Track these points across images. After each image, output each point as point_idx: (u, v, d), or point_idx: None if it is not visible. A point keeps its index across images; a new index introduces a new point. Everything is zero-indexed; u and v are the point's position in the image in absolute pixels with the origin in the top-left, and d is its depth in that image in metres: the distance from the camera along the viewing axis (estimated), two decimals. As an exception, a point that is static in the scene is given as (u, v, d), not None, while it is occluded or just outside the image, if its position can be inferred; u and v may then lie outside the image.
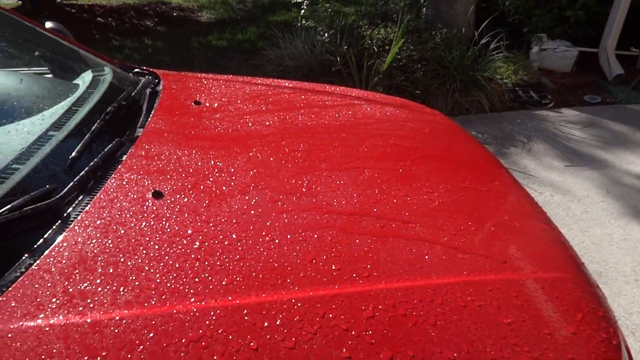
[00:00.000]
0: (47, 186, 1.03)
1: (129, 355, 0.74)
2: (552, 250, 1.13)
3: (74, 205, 1.04)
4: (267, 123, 1.51)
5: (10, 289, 0.82)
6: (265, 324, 0.81)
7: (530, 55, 4.58)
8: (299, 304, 0.85)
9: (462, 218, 1.14)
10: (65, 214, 1.02)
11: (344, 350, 0.79)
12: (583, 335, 0.89)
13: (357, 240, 1.02)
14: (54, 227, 0.97)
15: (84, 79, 1.62)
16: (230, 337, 0.78)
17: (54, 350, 0.73)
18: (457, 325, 0.85)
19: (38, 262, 0.88)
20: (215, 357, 0.75)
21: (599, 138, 3.50)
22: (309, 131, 1.49)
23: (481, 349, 0.82)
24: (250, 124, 1.49)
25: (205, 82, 1.83)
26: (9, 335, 0.74)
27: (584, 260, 2.25)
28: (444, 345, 0.82)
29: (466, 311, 0.88)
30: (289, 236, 1.01)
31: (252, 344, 0.78)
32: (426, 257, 1.00)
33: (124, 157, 1.21)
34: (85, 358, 0.72)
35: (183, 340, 0.76)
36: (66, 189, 1.05)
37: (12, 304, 0.79)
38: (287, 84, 1.91)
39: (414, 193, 1.21)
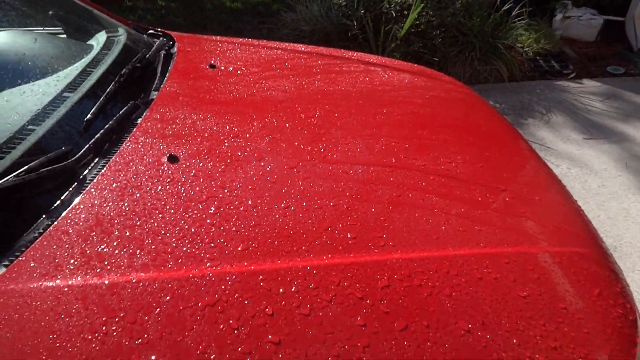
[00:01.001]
0: (63, 148, 1.03)
1: (146, 317, 0.74)
2: (571, 225, 1.11)
3: (89, 168, 1.04)
4: (283, 88, 1.49)
5: (29, 249, 0.82)
6: (281, 290, 0.81)
7: (554, 23, 4.44)
8: (315, 272, 0.85)
9: (479, 189, 1.12)
10: (81, 177, 1.02)
11: (359, 318, 0.79)
12: (599, 310, 0.89)
13: (373, 209, 1.01)
14: (71, 189, 0.98)
15: (98, 39, 1.60)
16: (245, 302, 0.78)
17: (73, 310, 0.74)
18: (472, 297, 0.85)
19: (55, 223, 0.88)
20: (231, 322, 0.75)
21: (620, 111, 3.42)
22: (326, 97, 1.47)
23: (496, 321, 0.82)
24: (266, 89, 1.47)
25: (220, 45, 1.79)
26: (29, 294, 0.75)
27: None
28: (458, 316, 0.81)
29: (482, 283, 0.88)
30: (304, 203, 1.00)
31: (267, 309, 0.78)
32: (442, 227, 0.99)
33: (139, 120, 1.21)
34: (104, 318, 0.73)
35: (199, 304, 0.77)
36: (82, 151, 1.04)
37: (32, 264, 0.80)
38: (303, 49, 1.87)
39: (431, 162, 1.19)
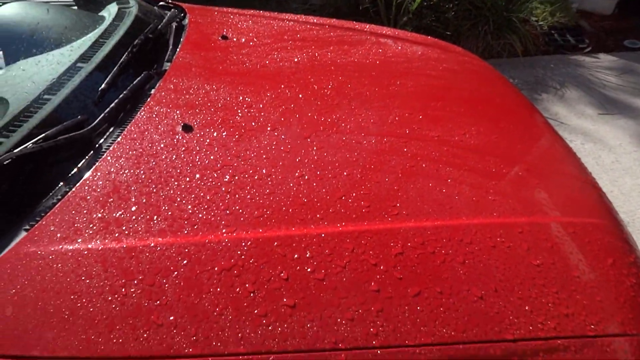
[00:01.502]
0: (79, 117, 1.04)
1: (164, 280, 0.76)
2: (585, 196, 1.11)
3: (105, 137, 1.05)
4: (296, 59, 1.48)
5: (48, 214, 0.84)
6: (295, 256, 0.82)
7: (570, -4, 4.34)
8: (329, 239, 0.86)
9: (494, 160, 1.12)
10: (97, 145, 1.03)
11: (373, 284, 0.80)
12: (612, 279, 0.89)
13: (387, 179, 1.01)
14: (87, 157, 0.99)
15: (110, 11, 1.60)
16: (261, 267, 0.79)
17: (93, 272, 0.75)
18: (485, 265, 0.85)
19: (74, 189, 0.89)
20: (247, 285, 0.77)
21: (636, 85, 3.36)
22: (339, 68, 1.46)
23: (508, 288, 0.82)
24: (278, 60, 1.46)
25: (232, 17, 1.78)
26: (50, 256, 0.77)
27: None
28: (471, 283, 0.82)
29: (495, 252, 0.88)
30: (318, 172, 1.00)
31: (282, 274, 0.79)
32: (456, 197, 0.99)
33: (153, 90, 1.21)
34: (123, 280, 0.75)
35: (215, 269, 0.78)
36: (97, 120, 1.05)
37: (52, 228, 0.81)
38: (315, 20, 1.85)
39: (445, 133, 1.19)
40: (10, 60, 1.29)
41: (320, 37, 1.71)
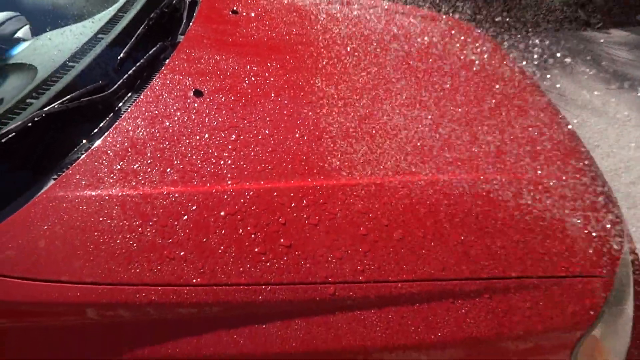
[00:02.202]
0: (100, 82, 1.14)
1: (176, 222, 0.86)
2: (567, 155, 1.17)
3: (124, 101, 1.15)
4: (301, 32, 1.56)
5: (74, 165, 0.94)
6: (293, 204, 0.92)
7: (585, -29, 4.29)
8: (323, 190, 0.95)
9: (482, 123, 1.19)
10: (116, 108, 1.13)
11: (361, 229, 0.89)
12: (582, 226, 0.97)
13: (382, 140, 1.09)
14: (108, 117, 1.09)
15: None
16: (261, 213, 0.89)
17: (113, 214, 0.86)
18: (466, 214, 0.94)
19: (96, 145, 1.00)
20: (248, 228, 0.87)
21: (647, 61, 3.36)
22: (342, 41, 1.53)
23: (487, 234, 0.91)
24: (284, 33, 1.54)
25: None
26: (76, 200, 0.87)
27: (614, 182, 2.27)
28: (452, 229, 0.91)
29: (476, 202, 0.96)
30: (317, 133, 1.09)
31: (280, 219, 0.89)
32: (445, 155, 1.07)
33: (167, 60, 1.30)
34: (139, 221, 0.85)
35: (222, 213, 0.88)
36: (116, 85, 1.15)
37: (77, 177, 0.92)
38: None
39: (439, 98, 1.26)
40: (36, 32, 1.39)
41: (326, 12, 1.77)
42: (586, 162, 1.13)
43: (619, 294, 0.91)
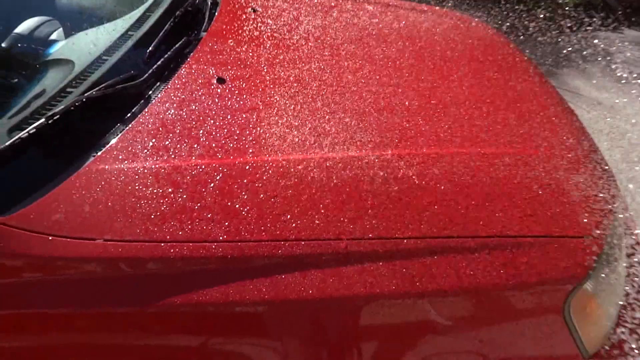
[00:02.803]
0: (132, 72, 1.25)
1: (203, 189, 0.96)
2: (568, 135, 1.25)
3: (153, 89, 1.26)
4: (316, 28, 1.66)
5: (112, 143, 1.05)
6: (312, 175, 1.01)
7: (597, -27, 4.34)
8: (336, 162, 1.04)
9: (485, 107, 1.27)
10: (146, 95, 1.23)
11: (370, 196, 0.98)
12: (575, 193, 1.04)
13: (388, 118, 1.18)
14: (140, 103, 1.20)
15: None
16: (280, 181, 0.99)
17: (148, 182, 0.96)
18: (471, 182, 1.02)
19: (130, 126, 1.10)
20: (268, 193, 0.96)
21: (660, 59, 3.39)
22: (352, 36, 1.63)
23: (488, 199, 0.99)
24: (300, 30, 1.64)
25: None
26: (115, 172, 0.98)
27: (622, 177, 2.32)
28: (456, 195, 1.00)
29: (478, 172, 1.05)
30: (327, 117, 1.18)
31: (297, 185, 0.98)
32: (450, 131, 1.15)
33: (192, 54, 1.41)
34: (171, 189, 0.95)
35: (245, 181, 0.98)
36: (146, 74, 1.26)
37: (114, 153, 1.02)
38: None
39: (445, 83, 1.35)
40: (74, 29, 1.52)
41: (336, 8, 1.88)
42: (583, 137, 1.20)
43: (611, 253, 0.98)
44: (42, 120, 1.02)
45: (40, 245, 0.86)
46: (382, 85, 1.32)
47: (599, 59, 3.44)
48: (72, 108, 1.08)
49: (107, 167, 0.99)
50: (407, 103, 1.25)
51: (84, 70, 1.23)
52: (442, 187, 1.01)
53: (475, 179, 1.04)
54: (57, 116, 1.05)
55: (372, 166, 1.04)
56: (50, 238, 0.87)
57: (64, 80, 1.21)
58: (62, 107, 1.07)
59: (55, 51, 1.46)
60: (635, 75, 3.22)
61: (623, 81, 3.15)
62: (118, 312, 0.86)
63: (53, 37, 1.80)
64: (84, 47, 1.36)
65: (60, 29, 1.85)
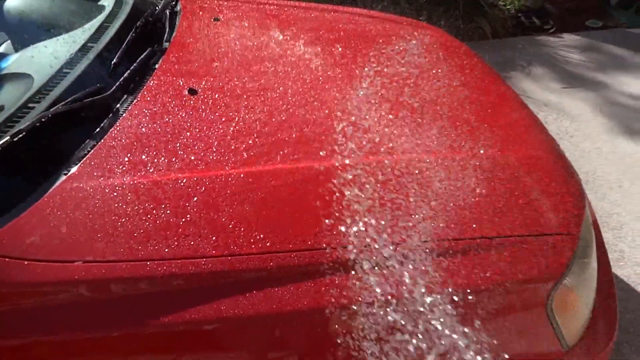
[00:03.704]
0: (97, 85, 1.20)
1: (187, 204, 0.94)
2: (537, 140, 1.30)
3: (121, 102, 1.22)
4: (278, 37, 1.65)
5: (84, 159, 1.01)
6: (289, 183, 1.00)
7: (535, -20, 4.57)
8: (297, 172, 1.04)
9: (458, 113, 1.31)
10: (115, 108, 1.19)
11: (354, 203, 0.98)
12: (557, 196, 1.09)
13: (366, 126, 1.19)
14: (109, 117, 1.15)
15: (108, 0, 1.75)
16: (257, 192, 0.98)
17: (128, 199, 0.93)
18: (464, 184, 1.05)
19: (102, 141, 1.06)
20: (246, 207, 0.95)
21: (596, 61, 3.60)
22: (315, 45, 1.63)
23: (482, 200, 1.02)
24: (263, 38, 1.63)
25: (220, 2, 1.95)
26: (91, 189, 0.94)
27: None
28: (449, 196, 1.02)
29: (470, 175, 1.07)
30: (298, 123, 1.18)
31: (281, 197, 0.97)
32: (432, 138, 1.18)
33: (157, 65, 1.37)
34: (153, 205, 0.92)
35: (228, 192, 0.96)
36: (113, 87, 1.21)
37: (89, 169, 0.98)
38: (295, 4, 2.03)
39: (416, 92, 1.38)
40: (25, 42, 1.45)
41: (299, 18, 1.88)
42: (549, 139, 1.26)
43: (584, 249, 1.03)
44: (7, 138, 0.97)
45: (16, 271, 0.81)
46: (340, 94, 1.33)
47: (543, 62, 3.62)
48: (38, 124, 1.03)
49: (82, 185, 0.95)
50: (378, 113, 1.27)
51: (44, 84, 1.17)
52: (430, 193, 1.02)
53: (450, 183, 1.06)
54: (23, 133, 1.00)
55: (354, 176, 1.04)
56: (26, 263, 0.82)
57: (25, 96, 1.15)
58: (27, 122, 1.01)
59: (7, 66, 1.39)
60: (575, 76, 3.41)
61: (565, 82, 3.32)
62: (104, 337, 0.83)
63: (1, 50, 1.72)
64: (41, 60, 1.29)
65: (8, 41, 1.77)
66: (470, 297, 0.90)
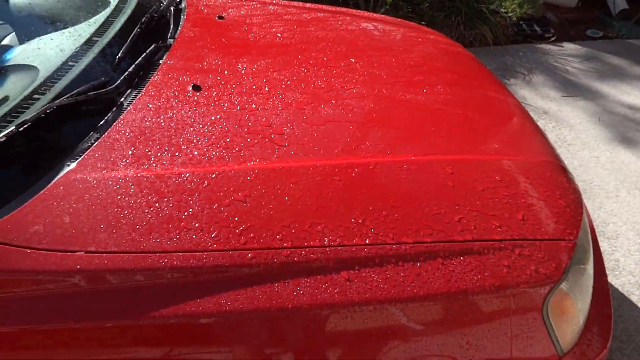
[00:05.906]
0: (102, 78, 1.21)
1: (189, 198, 0.94)
2: (538, 146, 1.32)
3: (125, 96, 1.22)
4: (281, 36, 1.67)
5: (88, 151, 1.01)
6: (289, 182, 1.01)
7: (537, -11, 4.60)
8: (310, 170, 1.05)
9: (460, 117, 1.32)
10: (119, 102, 1.20)
11: (352, 204, 0.99)
12: (555, 200, 1.10)
13: (363, 128, 1.20)
14: (113, 110, 1.16)
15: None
16: (263, 189, 0.98)
17: (131, 191, 0.93)
18: (464, 187, 1.06)
19: (107, 133, 1.07)
20: (247, 203, 0.95)
21: (596, 71, 3.62)
22: (317, 44, 1.65)
23: (476, 205, 1.03)
24: (267, 36, 1.64)
25: (226, 1, 1.96)
26: (94, 181, 0.94)
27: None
28: (446, 203, 1.02)
29: (470, 179, 1.09)
30: (303, 121, 1.19)
31: (272, 199, 0.98)
32: (430, 140, 1.19)
33: (162, 60, 1.38)
34: (156, 198, 0.93)
35: (232, 189, 0.97)
36: (118, 81, 1.22)
37: (92, 161, 0.99)
38: (299, 5, 2.04)
39: (421, 96, 1.39)
40: (31, 35, 1.45)
41: (303, 19, 1.89)
42: (548, 145, 1.27)
43: (581, 255, 1.04)
44: (12, 128, 0.97)
45: (19, 259, 0.81)
46: (343, 91, 1.34)
47: (543, 70, 3.64)
48: (44, 115, 1.04)
49: (85, 176, 0.96)
50: (393, 113, 1.28)
51: (50, 76, 1.17)
52: (431, 196, 1.03)
53: (450, 185, 1.07)
54: (28, 123, 1.01)
55: (351, 175, 1.05)
56: (29, 251, 0.83)
57: (30, 87, 1.15)
58: (33, 113, 1.02)
59: (12, 57, 1.39)
60: (575, 84, 3.43)
61: (565, 91, 3.34)
62: (104, 327, 0.83)
63: (6, 42, 1.72)
64: (49, 52, 1.30)
65: (13, 34, 1.77)
66: (466, 300, 0.90)
